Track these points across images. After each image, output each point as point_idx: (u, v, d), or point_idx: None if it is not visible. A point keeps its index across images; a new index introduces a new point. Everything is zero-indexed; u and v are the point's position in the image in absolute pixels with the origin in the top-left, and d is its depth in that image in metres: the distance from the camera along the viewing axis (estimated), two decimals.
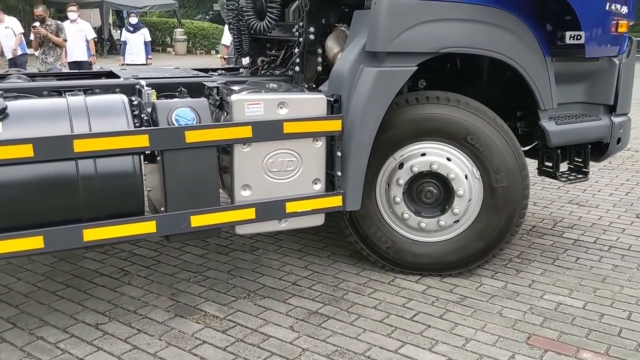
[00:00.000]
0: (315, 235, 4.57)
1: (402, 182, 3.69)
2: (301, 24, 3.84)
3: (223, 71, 4.63)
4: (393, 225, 3.79)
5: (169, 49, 27.28)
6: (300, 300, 3.55)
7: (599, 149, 4.23)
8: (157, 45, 24.87)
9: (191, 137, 3.02)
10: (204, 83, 3.70)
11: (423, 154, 3.67)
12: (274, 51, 4.68)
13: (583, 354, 2.98)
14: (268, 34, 4.12)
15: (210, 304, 3.49)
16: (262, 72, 4.53)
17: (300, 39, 3.89)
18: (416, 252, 3.80)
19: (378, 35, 3.34)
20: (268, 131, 3.23)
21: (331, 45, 3.90)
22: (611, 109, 4.16)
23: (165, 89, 3.52)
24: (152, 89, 3.35)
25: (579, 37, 3.75)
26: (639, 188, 5.97)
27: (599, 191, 5.74)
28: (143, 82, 3.42)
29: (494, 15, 3.56)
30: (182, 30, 26.79)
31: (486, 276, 3.86)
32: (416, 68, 3.48)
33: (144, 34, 11.47)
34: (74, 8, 10.41)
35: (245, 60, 4.79)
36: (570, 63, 3.96)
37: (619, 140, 4.19)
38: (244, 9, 4.14)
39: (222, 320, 3.29)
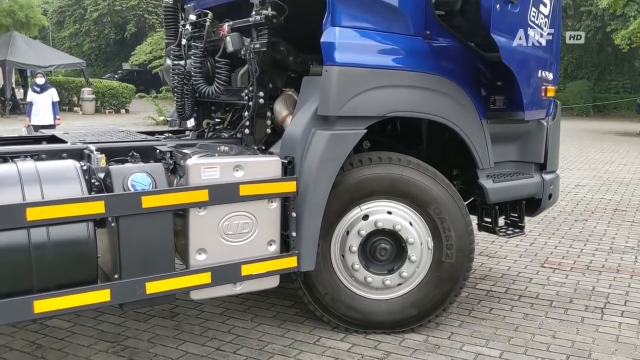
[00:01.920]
0: (237, 298, 4.49)
1: (363, 233, 3.77)
2: (251, 88, 3.93)
3: (170, 134, 4.61)
4: (339, 273, 3.83)
5: (75, 108, 26.50)
6: None
7: (533, 205, 4.51)
8: (64, 104, 24.13)
9: (148, 202, 2.98)
10: (156, 147, 3.68)
11: (389, 212, 3.78)
12: (219, 114, 4.74)
13: None
14: (216, 98, 4.17)
15: None
16: (209, 134, 4.56)
17: (250, 103, 3.96)
18: (351, 305, 3.84)
19: (329, 101, 3.47)
20: (224, 194, 3.24)
21: (279, 108, 4.00)
22: (542, 167, 4.46)
23: (116, 154, 3.46)
24: (101, 153, 3.30)
25: (506, 101, 4.09)
26: (541, 238, 6.38)
27: (506, 242, 6.03)
28: (92, 147, 3.37)
29: (434, 82, 3.79)
30: (90, 89, 26.04)
31: (408, 330, 3.96)
32: (365, 131, 3.62)
33: (52, 94, 11.27)
34: None
35: (190, 122, 4.79)
36: (503, 125, 4.24)
37: (550, 196, 4.49)
38: (192, 74, 4.18)
39: None
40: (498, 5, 3.58)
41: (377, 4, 3.60)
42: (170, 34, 4.81)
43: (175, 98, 4.64)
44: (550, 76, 4.33)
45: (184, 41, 4.33)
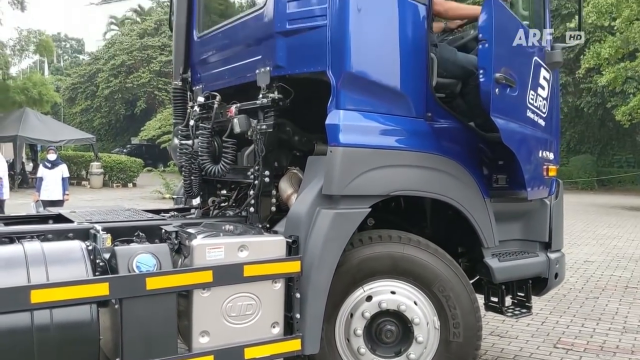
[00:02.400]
0: None
1: (367, 315, 3.71)
2: (257, 167, 3.99)
3: (175, 212, 4.65)
4: (344, 357, 3.75)
5: (84, 182, 26.80)
6: None
7: (539, 284, 4.46)
8: (72, 178, 24.40)
9: (152, 283, 2.98)
10: (161, 227, 3.70)
11: (393, 292, 3.75)
12: (224, 191, 4.79)
13: None
14: (222, 176, 4.23)
15: None
16: (214, 212, 4.59)
17: (256, 182, 4.01)
18: None
19: (334, 180, 3.51)
20: (228, 275, 3.23)
21: (285, 187, 4.05)
22: (546, 246, 4.45)
23: (121, 234, 3.49)
24: (107, 233, 3.32)
25: (508, 180, 4.14)
26: (552, 317, 6.24)
27: (516, 322, 5.88)
28: (98, 227, 3.39)
29: (436, 162, 3.84)
30: (98, 163, 26.38)
31: None
32: (370, 210, 3.65)
33: (62, 170, 11.40)
34: None
35: (196, 200, 4.84)
36: (506, 203, 4.26)
37: (556, 275, 4.45)
38: (200, 153, 4.27)
39: None
40: (497, 90, 3.68)
41: (379, 87, 3.71)
42: (179, 114, 4.94)
43: (182, 176, 4.71)
44: (551, 155, 4.40)
45: (192, 122, 4.44)
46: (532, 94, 4.09)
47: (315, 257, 3.47)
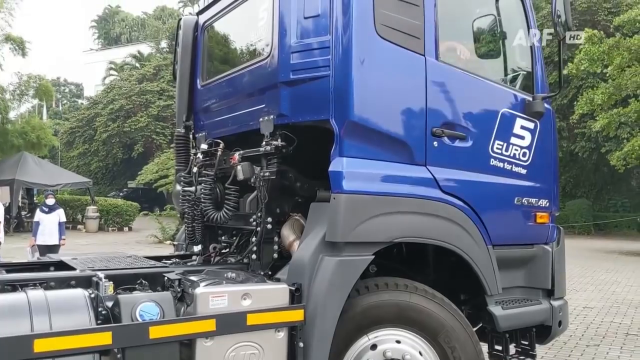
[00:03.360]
0: None
1: None
2: (259, 214, 4.00)
3: (177, 259, 4.64)
4: None
5: (79, 226, 26.65)
6: None
7: (543, 332, 4.42)
8: (68, 222, 24.20)
9: (155, 332, 2.95)
10: (164, 274, 3.69)
11: (398, 341, 3.71)
12: (225, 238, 4.78)
13: None
14: (225, 223, 4.24)
15: None
16: (215, 259, 4.58)
17: (258, 229, 4.02)
18: None
19: (337, 227, 3.53)
20: (232, 324, 3.21)
21: (287, 233, 4.05)
22: (549, 293, 4.43)
23: (124, 281, 3.48)
24: (109, 281, 3.31)
25: None
26: None
27: None
28: (101, 274, 3.38)
29: (438, 209, 3.86)
30: (94, 207, 26.28)
31: None
32: (373, 257, 3.65)
33: (59, 215, 11.37)
34: None
35: (197, 247, 4.83)
36: (509, 250, 4.26)
37: (560, 323, 4.42)
38: (202, 199, 4.29)
39: None
40: (435, 143, 3.83)
41: (381, 135, 3.75)
42: (181, 161, 4.99)
43: (185, 223, 4.71)
44: (543, 202, 4.43)
45: (195, 169, 4.47)
46: (499, 144, 4.15)
47: (319, 305, 3.44)
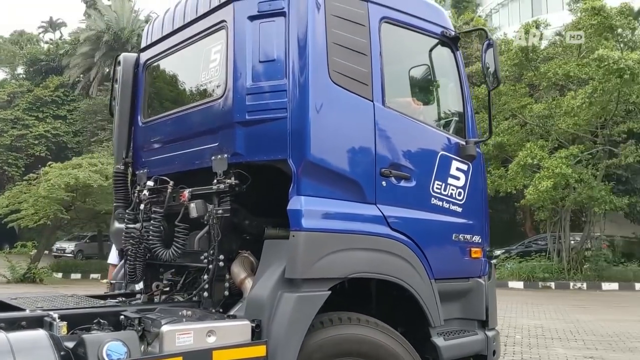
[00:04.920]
0: None
1: None
2: (212, 252, 4.01)
3: (122, 298, 4.51)
4: None
5: None
6: None
7: None
8: None
9: None
10: (121, 313, 3.60)
11: None
12: (168, 276, 4.72)
13: None
14: (173, 261, 4.21)
15: None
16: (161, 297, 4.50)
17: (210, 266, 4.02)
18: None
19: (297, 264, 3.62)
20: None
21: (238, 270, 4.08)
22: (483, 324, 4.72)
23: (79, 321, 3.36)
24: (62, 321, 3.20)
25: None
26: None
27: None
28: (54, 314, 3.27)
29: (390, 245, 4.06)
30: None
31: None
32: (330, 292, 3.76)
33: None
34: None
35: (139, 285, 4.73)
36: (448, 284, 4.51)
37: (494, 353, 4.71)
38: (150, 237, 4.23)
39: None
40: (383, 182, 4.09)
41: (335, 175, 3.92)
42: (120, 198, 4.91)
43: (126, 261, 4.60)
44: (476, 239, 4.75)
45: (142, 206, 4.41)
46: (438, 184, 4.47)
47: (280, 341, 3.50)
